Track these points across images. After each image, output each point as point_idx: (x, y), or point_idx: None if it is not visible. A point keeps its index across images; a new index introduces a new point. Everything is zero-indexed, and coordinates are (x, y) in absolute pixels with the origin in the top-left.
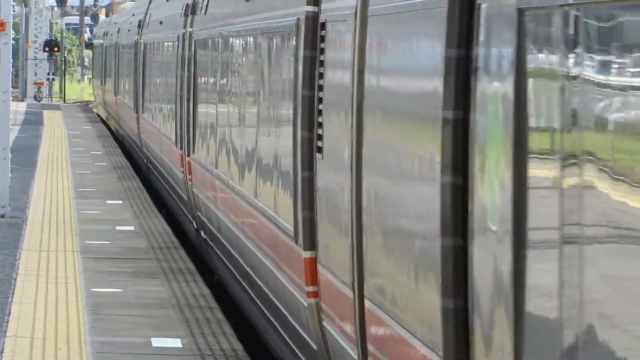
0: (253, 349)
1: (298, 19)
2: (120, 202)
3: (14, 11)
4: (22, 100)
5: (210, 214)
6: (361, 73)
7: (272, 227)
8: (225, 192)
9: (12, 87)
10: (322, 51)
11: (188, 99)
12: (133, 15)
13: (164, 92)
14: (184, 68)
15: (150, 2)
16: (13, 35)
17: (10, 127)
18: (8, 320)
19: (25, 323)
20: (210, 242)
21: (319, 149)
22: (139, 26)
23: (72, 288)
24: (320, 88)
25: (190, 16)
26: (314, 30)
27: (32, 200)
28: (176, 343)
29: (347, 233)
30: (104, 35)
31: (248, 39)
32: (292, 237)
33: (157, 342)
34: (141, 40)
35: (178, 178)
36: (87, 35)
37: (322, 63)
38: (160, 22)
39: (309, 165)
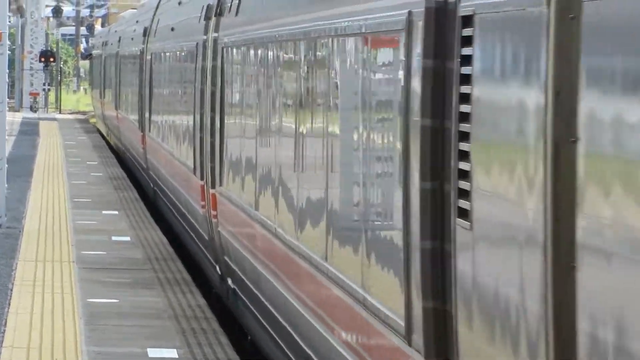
0: (249, 359)
1: (410, 12)
2: (116, 212)
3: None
4: (19, 111)
5: (244, 264)
6: (563, 95)
7: (358, 309)
8: (270, 243)
9: (8, 98)
10: (466, 60)
11: (212, 119)
12: (137, 22)
13: (178, 108)
14: (206, 81)
15: (157, 7)
16: (9, 46)
17: (7, 137)
18: (4, 330)
19: (22, 333)
20: (242, 296)
21: (463, 212)
22: (144, 34)
23: (69, 298)
24: (463, 117)
25: (214, 19)
26: (441, 29)
27: (28, 210)
28: (172, 353)
29: (535, 350)
30: (102, 45)
31: (312, 44)
32: (403, 335)
33: (154, 352)
34: (147, 49)
35: (196, 212)
36: (83, 46)
37: (465, 78)
38: (172, 29)
39: (434, 234)
